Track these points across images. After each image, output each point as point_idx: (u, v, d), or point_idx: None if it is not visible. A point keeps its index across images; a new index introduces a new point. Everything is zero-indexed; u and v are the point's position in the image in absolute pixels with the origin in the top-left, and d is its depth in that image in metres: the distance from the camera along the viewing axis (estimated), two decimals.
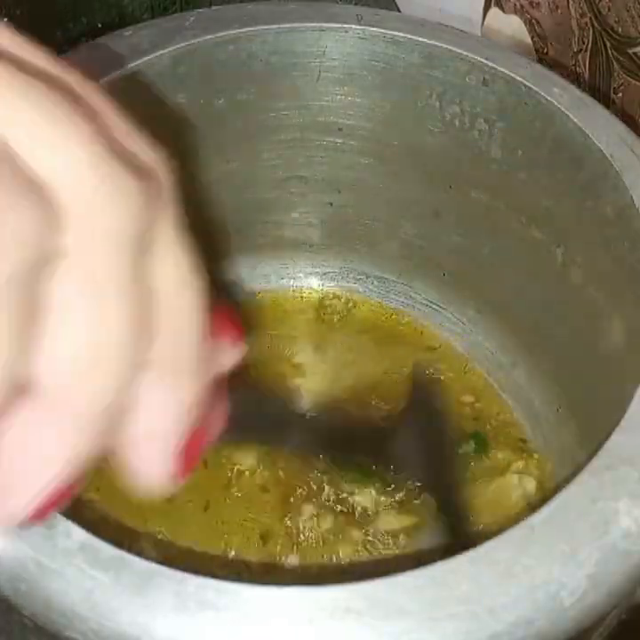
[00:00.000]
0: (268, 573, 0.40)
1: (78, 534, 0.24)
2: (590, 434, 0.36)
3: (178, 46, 0.39)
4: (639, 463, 0.27)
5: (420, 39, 0.40)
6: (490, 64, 0.39)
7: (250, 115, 0.43)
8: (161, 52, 0.38)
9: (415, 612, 0.24)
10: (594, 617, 0.25)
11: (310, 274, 0.50)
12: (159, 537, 0.40)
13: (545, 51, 0.50)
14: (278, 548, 0.40)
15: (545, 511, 0.26)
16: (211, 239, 0.45)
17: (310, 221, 0.48)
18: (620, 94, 0.45)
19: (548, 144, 0.38)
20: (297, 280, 0.50)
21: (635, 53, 0.44)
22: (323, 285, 0.50)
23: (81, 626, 0.23)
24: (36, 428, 0.18)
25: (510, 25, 0.52)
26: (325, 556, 0.40)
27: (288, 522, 0.41)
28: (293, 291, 0.50)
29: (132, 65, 0.38)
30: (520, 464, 0.43)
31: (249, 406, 0.22)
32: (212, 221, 0.45)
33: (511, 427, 0.45)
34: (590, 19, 0.46)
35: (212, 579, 0.24)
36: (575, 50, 0.48)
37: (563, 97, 0.37)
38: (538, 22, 0.50)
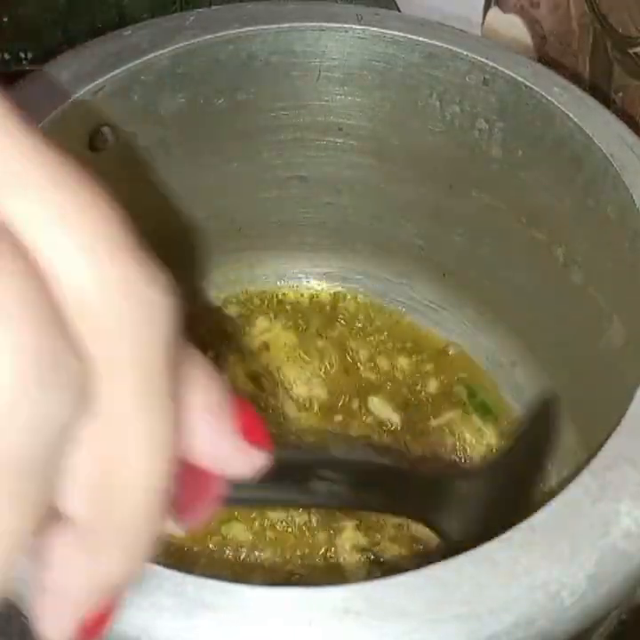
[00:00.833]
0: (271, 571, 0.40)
1: None
2: (590, 434, 0.36)
3: (177, 46, 0.39)
4: (639, 463, 0.27)
5: (420, 39, 0.40)
6: (490, 64, 0.39)
7: (250, 115, 0.43)
8: (161, 51, 0.38)
9: (415, 613, 0.24)
10: (594, 617, 0.25)
11: (310, 274, 0.50)
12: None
13: (545, 50, 0.50)
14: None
15: (545, 511, 0.26)
16: (210, 239, 0.45)
17: (310, 221, 0.48)
18: (621, 94, 0.45)
19: (548, 144, 0.38)
20: (297, 280, 0.50)
21: (635, 53, 0.44)
22: (323, 285, 0.50)
23: None
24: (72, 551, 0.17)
25: (510, 25, 0.52)
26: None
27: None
28: (293, 291, 0.49)
29: (132, 65, 0.38)
30: None
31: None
32: (211, 221, 0.45)
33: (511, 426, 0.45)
34: (591, 19, 0.46)
35: (211, 579, 0.24)
36: (575, 49, 0.48)
37: (563, 97, 0.38)
38: (538, 22, 0.50)
